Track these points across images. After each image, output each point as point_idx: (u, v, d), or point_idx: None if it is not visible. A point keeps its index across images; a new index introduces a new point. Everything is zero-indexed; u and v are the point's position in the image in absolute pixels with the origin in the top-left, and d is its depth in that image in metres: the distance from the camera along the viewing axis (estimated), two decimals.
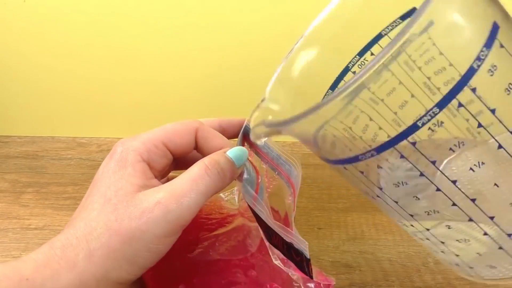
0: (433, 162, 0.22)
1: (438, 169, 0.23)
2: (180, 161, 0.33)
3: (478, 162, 0.23)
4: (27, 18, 0.54)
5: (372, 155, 0.23)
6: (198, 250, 0.33)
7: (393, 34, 0.30)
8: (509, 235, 0.23)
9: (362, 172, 0.25)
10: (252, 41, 0.54)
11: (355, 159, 0.24)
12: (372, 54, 0.31)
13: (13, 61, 0.56)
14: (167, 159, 0.31)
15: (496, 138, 0.22)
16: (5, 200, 0.46)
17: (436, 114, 0.21)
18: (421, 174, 0.23)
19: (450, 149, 0.23)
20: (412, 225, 0.26)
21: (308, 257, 0.28)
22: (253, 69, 0.55)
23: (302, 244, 0.28)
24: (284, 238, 0.28)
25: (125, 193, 0.27)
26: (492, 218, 0.23)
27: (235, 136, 0.33)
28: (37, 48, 0.55)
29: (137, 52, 0.55)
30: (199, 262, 0.32)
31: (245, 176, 0.30)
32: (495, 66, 0.21)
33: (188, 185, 0.27)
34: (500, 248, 0.24)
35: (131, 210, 0.26)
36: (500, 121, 0.22)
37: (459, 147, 0.23)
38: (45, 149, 0.57)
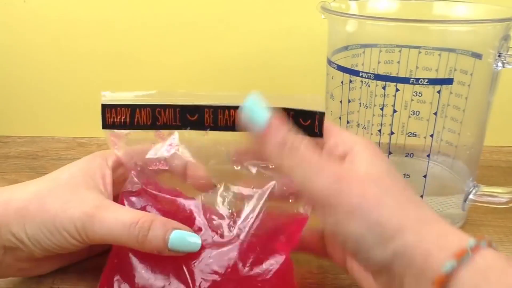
0: None
1: None
2: None
3: None
4: (27, 18, 0.54)
5: None
6: None
7: None
8: None
9: None
10: (252, 43, 0.54)
11: None
12: None
13: (13, 61, 0.56)
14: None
15: None
16: None
17: None
18: None
19: None
20: None
21: (323, 110, 0.27)
22: (253, 71, 0.55)
23: (313, 104, 0.27)
24: (293, 108, 0.27)
25: (73, 183, 0.30)
26: None
27: None
28: (37, 48, 0.55)
29: (137, 53, 0.55)
30: None
31: None
32: None
33: (110, 219, 0.28)
34: None
35: (63, 195, 0.29)
36: None
37: None
38: (45, 149, 0.57)
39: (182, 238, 0.28)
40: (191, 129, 0.30)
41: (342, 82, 0.38)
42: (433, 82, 0.34)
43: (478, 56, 0.35)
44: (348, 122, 0.40)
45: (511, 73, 0.36)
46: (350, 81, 0.37)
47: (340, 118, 0.40)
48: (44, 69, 0.56)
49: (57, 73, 0.57)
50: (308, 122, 0.28)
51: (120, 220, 0.28)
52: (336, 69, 0.38)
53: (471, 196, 0.39)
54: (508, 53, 0.34)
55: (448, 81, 0.35)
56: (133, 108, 0.29)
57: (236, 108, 0.28)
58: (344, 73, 0.37)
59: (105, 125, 0.30)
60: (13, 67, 0.56)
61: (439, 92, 0.34)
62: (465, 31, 0.35)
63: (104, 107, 0.30)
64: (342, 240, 0.24)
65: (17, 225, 0.29)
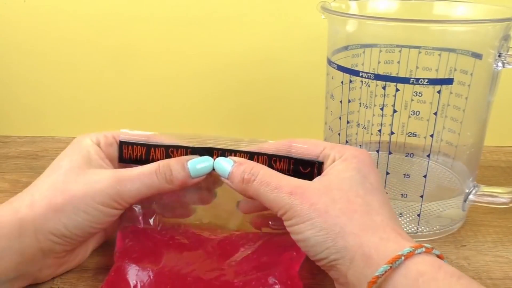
0: None
1: None
2: None
3: None
4: (27, 18, 0.54)
5: None
6: None
7: None
8: None
9: None
10: (252, 43, 0.54)
11: None
12: None
13: (13, 61, 0.56)
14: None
15: None
16: (5, 200, 0.46)
17: None
18: None
19: None
20: None
21: (321, 160, 0.32)
22: (253, 71, 0.55)
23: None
24: (294, 157, 0.32)
25: (78, 165, 0.31)
26: None
27: None
28: (37, 48, 0.55)
29: (138, 52, 0.55)
30: None
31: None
32: None
33: (136, 175, 0.31)
34: None
35: (80, 177, 0.31)
36: None
37: None
38: (45, 149, 0.57)
39: (196, 163, 0.32)
40: None
41: (342, 82, 0.38)
42: (433, 82, 0.34)
43: (478, 56, 0.35)
44: (348, 122, 0.40)
45: (511, 73, 0.36)
46: (350, 81, 0.37)
47: (340, 118, 0.40)
48: (44, 69, 0.56)
49: (57, 73, 0.57)
50: (307, 170, 0.32)
51: (145, 172, 0.31)
52: (336, 69, 0.38)
53: (471, 196, 0.39)
54: (508, 53, 0.34)
55: (448, 81, 0.35)
56: (148, 147, 0.33)
57: (240, 152, 0.32)
58: (344, 73, 0.37)
59: (122, 159, 0.33)
60: (13, 67, 0.56)
61: (439, 92, 0.34)
62: (465, 31, 0.35)
63: (122, 143, 0.33)
64: (297, 241, 0.29)
65: (52, 222, 0.30)
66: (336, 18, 0.38)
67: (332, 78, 0.39)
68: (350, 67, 0.38)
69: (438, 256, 0.26)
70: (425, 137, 0.37)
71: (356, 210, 0.27)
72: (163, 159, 0.33)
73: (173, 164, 0.31)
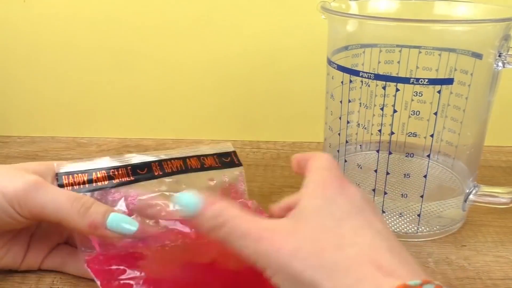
0: None
1: None
2: None
3: None
4: (27, 18, 0.54)
5: None
6: None
7: None
8: None
9: None
10: (252, 43, 0.54)
11: None
12: None
13: (13, 61, 0.56)
14: None
15: None
16: None
17: None
18: None
19: None
20: None
21: (233, 149, 0.38)
22: (253, 71, 0.55)
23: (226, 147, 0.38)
24: (215, 152, 0.38)
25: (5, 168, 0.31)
26: None
27: None
28: (37, 48, 0.55)
29: (137, 52, 0.55)
30: None
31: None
32: None
33: (58, 193, 0.30)
34: None
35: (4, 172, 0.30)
36: None
37: None
38: (45, 149, 0.57)
39: (120, 220, 0.30)
40: (144, 180, 0.34)
41: (342, 82, 0.38)
42: (433, 82, 0.34)
43: (478, 56, 0.35)
44: (348, 122, 0.40)
45: (511, 73, 0.36)
46: (350, 81, 0.37)
47: (340, 118, 0.40)
48: (44, 69, 0.56)
49: (57, 73, 0.57)
50: (228, 159, 0.38)
51: (64, 192, 0.30)
52: (336, 69, 0.38)
53: (471, 196, 0.39)
54: (508, 53, 0.34)
55: (448, 81, 0.35)
56: (90, 173, 0.33)
57: (174, 159, 0.36)
58: (344, 73, 0.37)
59: (63, 186, 0.32)
60: (13, 67, 0.56)
61: (439, 92, 0.34)
62: (465, 31, 0.35)
63: (61, 175, 0.32)
64: None
65: None
66: (336, 18, 0.38)
67: (332, 78, 0.39)
68: (350, 67, 0.38)
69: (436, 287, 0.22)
70: (425, 137, 0.37)
71: (324, 248, 0.24)
72: (105, 181, 0.33)
73: (98, 205, 0.30)
